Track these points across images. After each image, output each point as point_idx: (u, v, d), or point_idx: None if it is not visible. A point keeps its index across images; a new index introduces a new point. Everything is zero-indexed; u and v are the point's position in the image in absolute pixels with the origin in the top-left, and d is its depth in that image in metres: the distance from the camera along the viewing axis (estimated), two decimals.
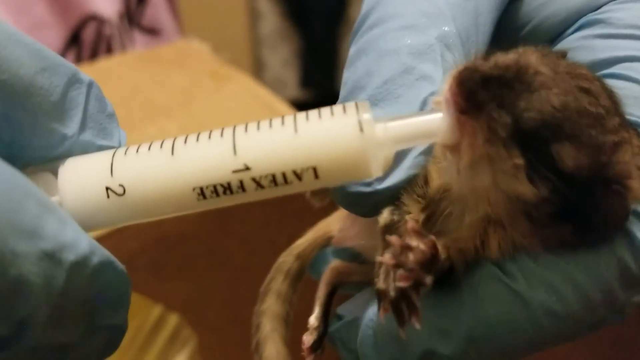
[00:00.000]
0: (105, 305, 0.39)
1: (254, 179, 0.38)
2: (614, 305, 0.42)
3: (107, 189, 0.39)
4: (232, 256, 0.93)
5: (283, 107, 0.99)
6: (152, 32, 1.28)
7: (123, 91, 1.02)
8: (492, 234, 0.41)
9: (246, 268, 0.92)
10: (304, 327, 0.54)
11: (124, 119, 0.96)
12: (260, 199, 0.40)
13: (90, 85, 0.43)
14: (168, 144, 0.40)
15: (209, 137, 0.39)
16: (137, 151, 0.40)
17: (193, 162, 0.39)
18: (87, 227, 0.39)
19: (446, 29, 0.46)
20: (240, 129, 0.39)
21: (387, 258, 0.39)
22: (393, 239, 0.40)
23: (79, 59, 1.17)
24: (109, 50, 1.20)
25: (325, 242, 0.57)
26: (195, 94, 1.02)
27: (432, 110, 0.40)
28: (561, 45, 0.50)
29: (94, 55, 1.18)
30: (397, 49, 0.45)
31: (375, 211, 0.43)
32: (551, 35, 0.52)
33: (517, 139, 0.38)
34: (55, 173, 0.41)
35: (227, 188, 0.39)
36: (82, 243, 0.36)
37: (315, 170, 0.38)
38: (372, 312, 0.46)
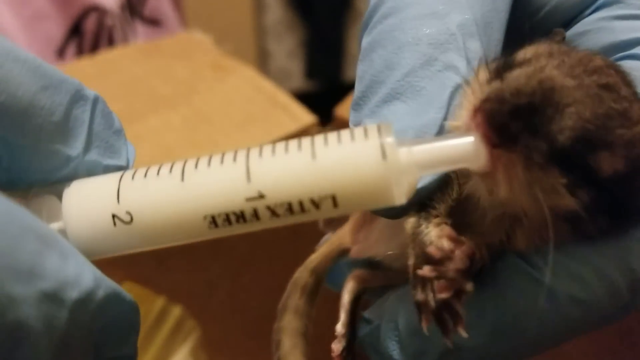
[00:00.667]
0: (113, 337, 0.37)
1: (268, 207, 0.37)
2: (638, 291, 0.42)
3: (113, 216, 0.37)
4: (235, 248, 0.92)
5: (286, 98, 0.98)
6: (154, 22, 1.27)
7: (125, 83, 1.01)
8: (519, 229, 0.41)
9: (249, 259, 0.93)
10: (326, 340, 0.54)
11: (126, 110, 0.96)
12: (276, 226, 0.38)
13: (95, 100, 0.41)
14: (178, 168, 0.38)
15: (221, 161, 0.37)
16: (145, 175, 0.38)
17: (204, 188, 0.37)
18: (92, 254, 0.38)
19: (466, 16, 0.44)
20: (254, 153, 0.37)
21: (426, 270, 0.38)
22: (433, 250, 0.39)
23: (80, 51, 1.16)
24: (111, 41, 1.19)
25: (339, 255, 0.56)
26: (197, 86, 1.01)
27: (460, 134, 0.38)
28: (579, 27, 0.50)
29: (95, 46, 1.17)
30: (416, 39, 0.43)
31: (404, 213, 0.42)
32: (568, 17, 0.51)
33: (554, 160, 0.38)
34: (60, 196, 0.39)
35: (241, 216, 0.37)
36: (85, 278, 0.34)
37: (334, 198, 0.36)
38: (393, 307, 0.45)
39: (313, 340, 0.56)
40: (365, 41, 0.46)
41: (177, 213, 0.37)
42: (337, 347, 0.53)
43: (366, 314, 0.48)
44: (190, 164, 0.38)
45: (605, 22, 0.48)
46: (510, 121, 0.37)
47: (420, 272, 0.38)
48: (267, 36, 2.86)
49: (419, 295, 0.39)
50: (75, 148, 0.39)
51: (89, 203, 0.38)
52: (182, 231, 0.37)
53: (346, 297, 0.56)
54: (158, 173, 0.38)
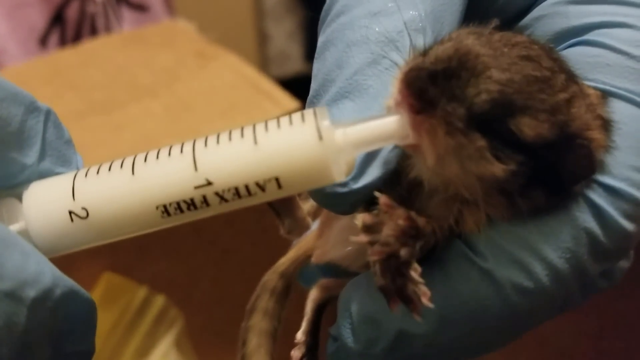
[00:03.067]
0: (71, 333, 0.40)
1: (217, 193, 0.40)
2: (586, 277, 0.43)
3: (70, 213, 0.40)
4: (218, 237, 0.95)
5: (269, 85, 0.99)
6: (141, 8, 1.29)
7: (106, 72, 1.04)
8: (467, 212, 0.43)
9: (232, 249, 0.96)
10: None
11: (108, 99, 0.98)
12: (226, 211, 0.41)
13: (48, 112, 0.43)
14: (128, 163, 0.41)
15: (169, 154, 0.40)
16: (98, 172, 0.41)
17: (154, 180, 0.40)
18: (53, 251, 0.41)
19: (414, 12, 0.46)
20: (199, 143, 0.40)
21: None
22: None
23: (63, 39, 1.18)
24: (93, 29, 1.20)
25: (307, 259, 0.58)
26: (179, 74, 1.03)
27: (389, 113, 0.41)
28: (535, 12, 0.51)
29: (78, 34, 1.19)
30: (365, 37, 0.45)
31: (353, 209, 0.44)
32: (525, 4, 0.52)
33: (475, 124, 0.39)
34: (20, 198, 0.42)
35: (191, 204, 0.40)
36: (44, 276, 0.37)
37: (277, 180, 0.39)
38: (346, 296, 0.47)
39: (286, 342, 0.58)
40: (320, 39, 0.48)
41: (130, 205, 0.40)
42: (296, 354, 0.55)
43: (331, 330, 0.50)
44: (140, 158, 0.41)
45: (560, 6, 0.49)
46: (429, 86, 0.39)
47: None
48: (267, 18, 2.84)
49: (380, 281, 0.40)
50: (30, 157, 0.42)
51: (47, 202, 0.41)
52: (136, 222, 0.40)
53: (309, 306, 0.59)
54: (110, 169, 0.41)
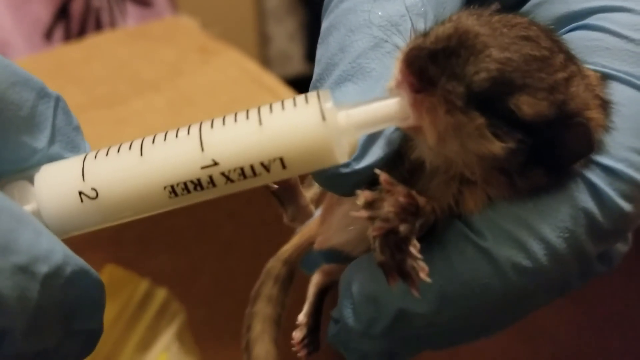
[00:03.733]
0: (81, 311, 0.41)
1: (223, 174, 0.41)
2: (584, 258, 0.44)
3: (80, 193, 0.41)
4: (220, 230, 0.96)
5: (272, 80, 1.00)
6: (145, 4, 1.30)
7: (110, 67, 1.05)
8: (468, 192, 0.44)
9: (234, 242, 0.96)
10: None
11: (110, 94, 0.99)
12: (232, 192, 0.42)
13: (57, 99, 0.45)
14: (137, 144, 0.42)
15: (176, 135, 0.42)
16: (107, 154, 0.42)
17: (162, 161, 0.41)
18: (64, 232, 0.42)
19: None
20: (206, 125, 0.42)
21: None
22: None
23: (67, 33, 1.19)
24: (98, 23, 1.22)
25: (310, 246, 0.59)
26: (182, 69, 1.04)
27: (390, 95, 0.42)
28: None
29: (82, 29, 1.20)
30: (368, 21, 0.46)
31: (354, 190, 0.45)
32: None
33: (475, 102, 0.41)
34: (31, 180, 0.43)
35: (198, 184, 0.41)
36: (56, 254, 0.38)
37: (282, 160, 0.41)
38: (348, 276, 0.48)
39: (290, 327, 0.59)
40: (324, 25, 0.49)
41: (138, 185, 0.41)
42: (297, 335, 0.57)
43: (333, 312, 0.51)
44: (148, 140, 0.42)
45: None
46: (429, 65, 0.40)
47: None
48: (268, 19, 2.86)
49: (379, 257, 0.41)
50: (40, 141, 0.43)
51: (58, 183, 0.42)
52: (144, 202, 0.42)
53: (312, 290, 0.60)
54: (119, 151, 0.42)
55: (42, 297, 0.37)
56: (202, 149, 0.41)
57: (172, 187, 0.41)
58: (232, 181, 0.41)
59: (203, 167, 0.41)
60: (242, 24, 2.70)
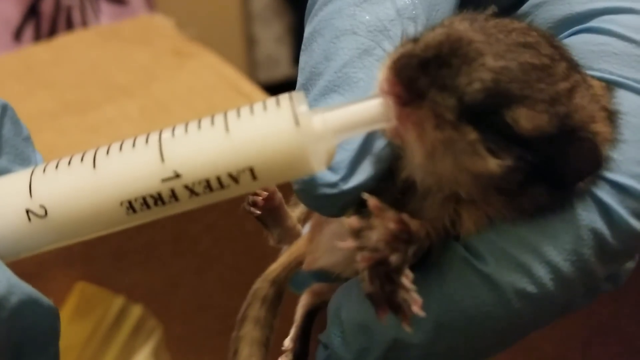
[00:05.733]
0: (32, 344, 0.38)
1: (186, 187, 0.37)
2: (592, 280, 0.42)
3: (27, 211, 0.38)
4: (197, 243, 0.94)
5: (249, 87, 0.98)
6: (119, 2, 1.29)
7: (81, 70, 1.02)
8: (465, 212, 0.41)
9: (213, 255, 0.94)
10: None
11: (81, 100, 0.97)
12: (198, 206, 0.39)
13: (4, 107, 0.42)
14: (89, 156, 0.39)
15: (133, 145, 0.38)
16: (57, 167, 0.39)
17: (117, 174, 0.38)
18: (12, 254, 0.39)
19: (407, 0, 0.44)
20: (166, 133, 0.38)
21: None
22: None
23: (37, 33, 1.17)
24: (69, 22, 1.20)
25: (299, 265, 0.57)
26: (156, 73, 1.02)
27: (371, 96, 0.39)
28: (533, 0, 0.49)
29: (53, 28, 1.19)
30: (355, 27, 0.43)
31: (343, 211, 0.42)
32: None
33: (468, 116, 0.38)
34: None
35: (159, 199, 0.38)
36: None
37: (252, 171, 0.37)
38: (336, 303, 0.46)
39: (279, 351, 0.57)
40: (307, 30, 0.46)
41: (92, 202, 0.38)
42: None
43: (321, 337, 0.48)
44: (102, 150, 0.39)
45: None
46: (418, 75, 0.37)
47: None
48: (255, 22, 2.85)
49: (368, 288, 0.39)
50: None
51: (2, 200, 0.39)
52: (99, 220, 0.38)
53: (299, 312, 0.57)
54: (69, 163, 0.39)
55: None
56: (163, 160, 0.37)
57: (129, 202, 0.38)
58: (197, 194, 0.38)
59: (164, 180, 0.37)
60: (229, 27, 2.70)
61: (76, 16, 1.20)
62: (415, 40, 0.40)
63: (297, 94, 0.38)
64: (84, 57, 1.05)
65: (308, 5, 0.48)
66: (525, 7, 0.49)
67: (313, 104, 0.42)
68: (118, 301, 0.91)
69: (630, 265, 0.51)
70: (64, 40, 1.08)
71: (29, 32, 1.16)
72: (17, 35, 1.15)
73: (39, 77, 1.00)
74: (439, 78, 0.37)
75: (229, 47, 2.60)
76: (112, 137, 0.89)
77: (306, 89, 0.44)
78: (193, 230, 0.92)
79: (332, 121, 0.38)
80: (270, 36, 2.90)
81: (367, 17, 0.43)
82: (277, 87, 1.07)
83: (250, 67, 2.78)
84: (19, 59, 1.04)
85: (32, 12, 1.16)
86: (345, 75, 0.42)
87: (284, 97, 0.38)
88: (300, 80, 0.44)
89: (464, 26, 0.39)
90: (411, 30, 0.43)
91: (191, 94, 0.98)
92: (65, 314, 0.88)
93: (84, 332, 0.88)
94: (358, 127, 0.39)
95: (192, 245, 0.93)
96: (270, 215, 0.53)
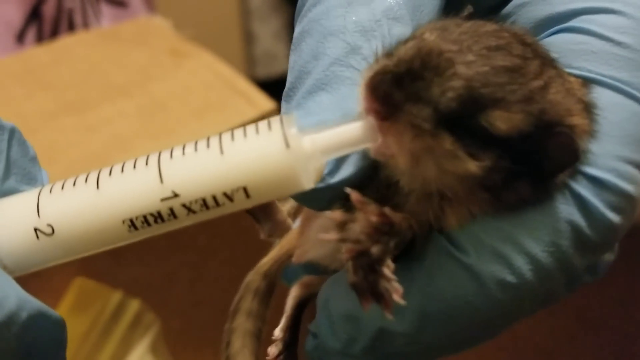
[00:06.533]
0: (41, 354, 0.40)
1: (184, 205, 0.40)
2: (571, 271, 0.44)
3: (35, 230, 0.40)
4: (194, 239, 0.95)
5: (245, 85, 0.99)
6: (120, 4, 1.29)
7: (79, 71, 1.03)
8: (449, 208, 0.43)
9: (209, 251, 0.96)
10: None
11: (80, 99, 0.98)
12: (195, 222, 0.41)
13: (12, 131, 0.44)
14: (93, 177, 0.41)
15: (134, 166, 0.41)
16: (62, 188, 0.41)
17: (120, 194, 0.40)
18: (22, 269, 0.41)
19: (392, 1, 0.46)
20: (165, 155, 0.41)
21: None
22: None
23: (40, 35, 1.17)
24: (71, 25, 1.20)
25: (290, 258, 0.59)
26: (154, 73, 1.03)
27: (357, 119, 0.41)
28: (517, 0, 0.51)
29: (55, 31, 1.19)
30: (342, 27, 0.45)
31: (330, 205, 0.44)
32: None
33: (445, 123, 0.39)
34: None
35: (158, 217, 0.40)
36: (9, 300, 0.37)
37: (245, 190, 0.40)
38: (325, 294, 0.48)
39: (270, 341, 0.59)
40: (296, 30, 0.48)
41: (96, 220, 0.40)
42: (272, 350, 0.56)
43: (311, 326, 0.50)
44: (105, 172, 0.41)
45: None
46: (393, 91, 0.39)
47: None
48: (253, 18, 2.84)
49: (352, 278, 0.41)
50: None
51: (12, 220, 0.41)
52: (103, 237, 0.41)
53: (290, 303, 0.59)
54: (74, 184, 0.41)
55: None
56: (162, 181, 0.40)
57: (131, 220, 0.40)
58: (194, 212, 0.40)
59: (163, 199, 0.40)
60: (227, 23, 2.69)
61: (77, 18, 1.21)
62: (389, 55, 0.42)
63: (287, 117, 0.41)
64: (83, 58, 1.06)
65: (298, 5, 0.49)
66: (508, 7, 0.51)
67: (301, 102, 0.44)
68: (116, 296, 0.92)
69: (609, 257, 0.53)
70: (64, 42, 1.09)
71: (31, 34, 1.16)
72: (20, 37, 1.16)
73: (40, 78, 1.02)
74: (413, 91, 0.39)
75: (227, 43, 2.59)
76: (110, 136, 0.91)
77: (295, 87, 0.45)
78: (189, 227, 0.93)
79: (321, 142, 0.40)
80: (268, 32, 2.88)
81: (353, 18, 0.45)
82: (275, 83, 1.08)
83: (249, 63, 2.77)
84: (20, 60, 1.05)
85: (34, 15, 1.16)
86: (332, 73, 0.44)
87: (275, 120, 0.41)
88: (289, 78, 0.46)
89: (435, 36, 0.41)
90: (397, 30, 0.45)
91: (187, 93, 0.99)
92: (64, 309, 0.90)
93: (82, 326, 0.90)
94: (345, 147, 0.41)
95: (188, 241, 0.94)
96: (261, 209, 0.55)
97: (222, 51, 1.10)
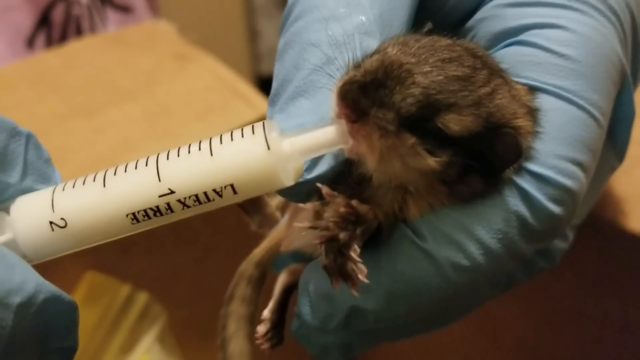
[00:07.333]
0: (55, 332, 0.46)
1: (179, 201, 0.46)
2: (519, 256, 0.49)
3: (50, 223, 0.46)
4: (198, 235, 1.00)
5: (245, 87, 1.03)
6: (125, 9, 1.32)
7: (87, 75, 1.07)
8: (411, 200, 0.48)
9: (213, 245, 1.00)
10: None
11: (89, 103, 1.01)
12: (189, 216, 0.47)
13: (28, 136, 0.49)
14: (100, 176, 0.47)
15: (136, 167, 0.46)
16: (74, 186, 0.47)
17: (123, 191, 0.46)
18: (39, 257, 0.47)
19: (363, 17, 0.51)
20: (162, 157, 0.46)
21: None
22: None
23: (49, 41, 1.21)
24: (79, 30, 1.24)
25: (279, 249, 0.64)
26: (158, 77, 1.06)
27: (330, 123, 0.47)
28: (478, 15, 0.56)
29: (64, 36, 1.23)
30: (319, 40, 0.50)
31: (308, 197, 0.50)
32: (471, 7, 0.57)
33: (407, 125, 0.45)
34: (8, 211, 0.48)
35: (157, 211, 0.46)
36: (28, 284, 0.43)
37: (233, 187, 0.46)
38: (306, 276, 0.53)
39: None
40: (280, 42, 0.54)
41: (103, 214, 0.46)
42: (261, 329, 0.61)
43: (296, 308, 0.55)
44: (110, 171, 0.47)
45: (499, 9, 0.54)
46: (360, 97, 0.44)
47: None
48: (257, 15, 2.84)
49: (324, 260, 0.46)
50: (13, 177, 0.48)
51: (31, 214, 0.47)
52: (109, 229, 0.46)
53: (278, 288, 0.65)
54: (84, 183, 0.47)
55: (16, 325, 0.42)
56: (159, 179, 0.46)
57: (133, 214, 0.46)
58: (188, 207, 0.46)
59: (161, 196, 0.46)
60: (232, 20, 2.68)
61: (85, 24, 1.23)
62: (357, 66, 0.47)
63: (269, 122, 0.47)
64: (91, 62, 1.09)
65: (282, 18, 0.55)
66: (471, 22, 0.56)
67: (284, 107, 0.49)
68: (125, 289, 0.96)
69: (562, 245, 0.59)
70: (72, 47, 1.12)
71: (41, 39, 1.20)
72: (30, 42, 1.19)
73: (50, 82, 1.05)
74: (378, 97, 0.45)
75: (233, 40, 2.58)
76: (116, 139, 0.95)
77: (278, 93, 0.51)
78: (193, 223, 0.93)
79: (299, 144, 0.46)
80: (273, 29, 2.88)
81: (330, 33, 0.50)
82: None
83: (254, 60, 2.78)
84: (31, 65, 1.08)
85: (44, 21, 1.20)
86: (310, 82, 0.49)
87: (258, 126, 0.46)
88: (274, 85, 0.52)
89: (396, 51, 0.46)
90: (368, 43, 0.50)
91: (191, 96, 1.02)
92: (76, 301, 0.92)
93: (93, 317, 0.93)
94: (321, 148, 0.47)
95: (192, 236, 0.99)
96: (251, 203, 0.60)
97: (228, 48, 1.11)
